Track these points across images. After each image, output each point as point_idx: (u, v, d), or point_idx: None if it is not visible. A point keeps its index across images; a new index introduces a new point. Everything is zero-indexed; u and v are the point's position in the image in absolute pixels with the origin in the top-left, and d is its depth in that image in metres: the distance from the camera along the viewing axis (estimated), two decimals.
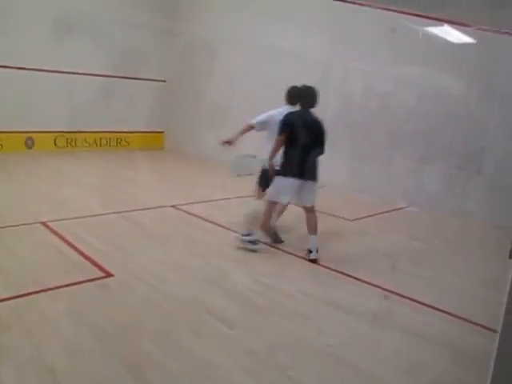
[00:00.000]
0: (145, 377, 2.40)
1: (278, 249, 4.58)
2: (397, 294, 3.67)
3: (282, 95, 4.61)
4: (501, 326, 1.26)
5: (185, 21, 10.87)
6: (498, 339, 1.26)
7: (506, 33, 5.46)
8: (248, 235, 4.43)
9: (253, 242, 4.42)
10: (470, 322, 3.27)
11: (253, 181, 4.72)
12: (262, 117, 4.68)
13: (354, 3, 7.21)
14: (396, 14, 6.65)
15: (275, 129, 4.29)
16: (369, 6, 7.01)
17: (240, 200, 6.17)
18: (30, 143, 10.01)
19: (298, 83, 4.43)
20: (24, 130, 9.79)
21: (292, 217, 5.94)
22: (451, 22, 6.31)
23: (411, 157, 6.86)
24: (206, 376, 2.46)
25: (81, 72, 10.12)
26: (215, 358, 2.60)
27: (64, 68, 9.87)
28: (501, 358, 1.23)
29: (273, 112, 4.61)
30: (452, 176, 6.55)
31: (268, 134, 4.57)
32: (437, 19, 6.41)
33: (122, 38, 10.46)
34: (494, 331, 2.89)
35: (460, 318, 3.34)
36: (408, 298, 3.61)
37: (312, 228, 4.35)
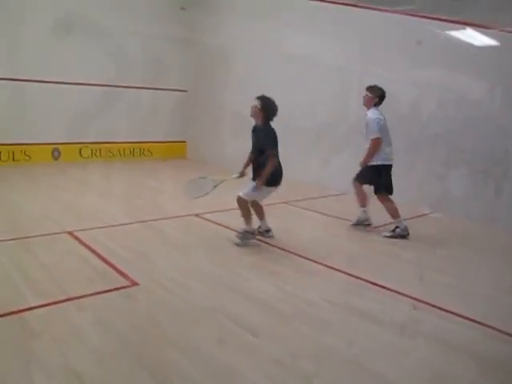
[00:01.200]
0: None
1: (302, 257, 4.57)
2: (423, 302, 3.62)
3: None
4: None
5: (204, 30, 10.99)
6: None
7: None
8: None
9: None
10: (498, 330, 3.20)
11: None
12: (375, 128, 5.37)
13: (377, 9, 7.20)
14: (418, 18, 6.62)
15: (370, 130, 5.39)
16: (386, 10, 7.00)
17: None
18: (56, 154, 10.25)
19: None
20: (51, 141, 10.05)
21: (321, 226, 5.93)
22: (473, 25, 6.24)
23: (434, 162, 6.76)
24: None
25: (105, 84, 10.33)
26: (239, 366, 2.62)
27: (89, 80, 10.11)
28: None
29: (370, 117, 5.42)
30: (477, 181, 6.42)
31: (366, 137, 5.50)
32: (459, 22, 6.34)
33: (144, 48, 10.66)
34: None
35: (488, 326, 3.26)
36: (434, 307, 3.55)
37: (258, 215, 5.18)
